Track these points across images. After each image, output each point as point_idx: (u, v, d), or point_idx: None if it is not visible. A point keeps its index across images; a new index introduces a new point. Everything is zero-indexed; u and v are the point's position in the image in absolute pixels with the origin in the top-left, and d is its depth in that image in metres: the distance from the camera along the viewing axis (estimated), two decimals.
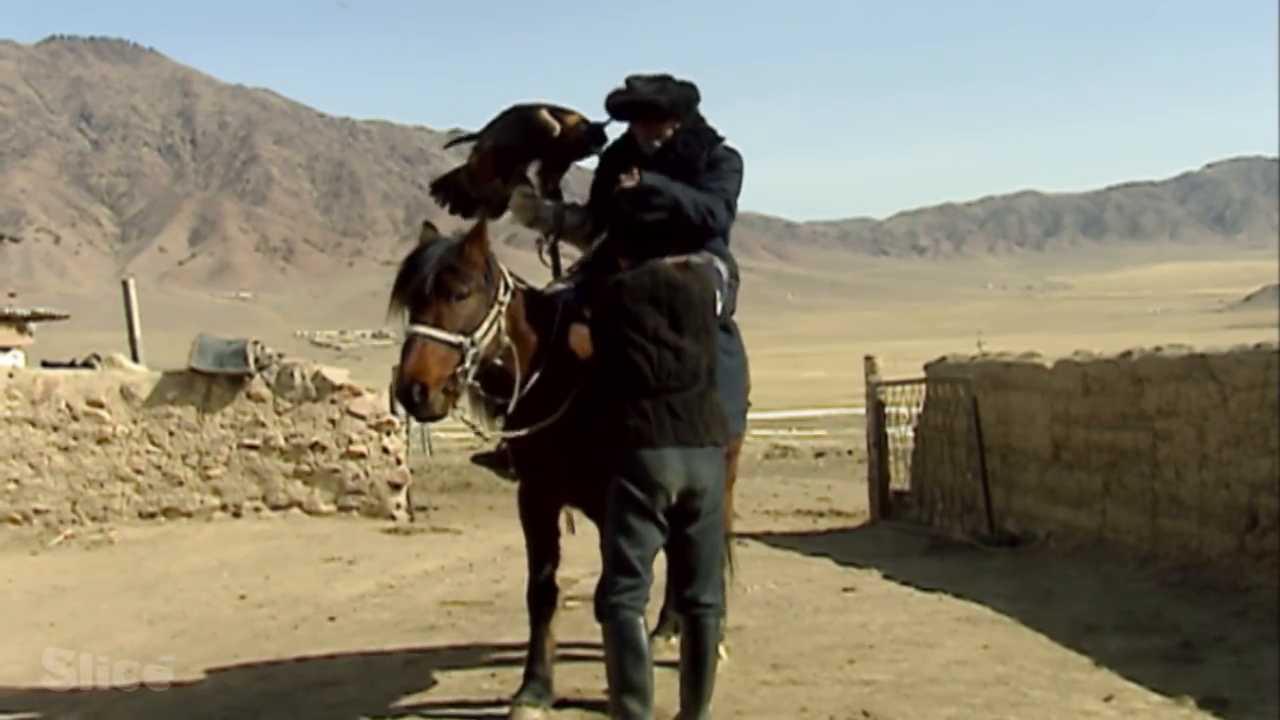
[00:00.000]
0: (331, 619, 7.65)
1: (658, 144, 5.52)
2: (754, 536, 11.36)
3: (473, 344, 4.60)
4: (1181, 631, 6.34)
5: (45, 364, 14.78)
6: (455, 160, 6.15)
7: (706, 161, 5.49)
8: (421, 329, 4.54)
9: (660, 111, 5.51)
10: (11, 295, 19.16)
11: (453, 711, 5.38)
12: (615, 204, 5.24)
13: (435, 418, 4.67)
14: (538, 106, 5.53)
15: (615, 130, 5.68)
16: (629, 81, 5.58)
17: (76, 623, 7.80)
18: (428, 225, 4.94)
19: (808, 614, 7.27)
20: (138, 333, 15.95)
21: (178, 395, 12.22)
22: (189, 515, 12.05)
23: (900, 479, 12.75)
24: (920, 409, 12.32)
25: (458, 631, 7.09)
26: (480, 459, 5.82)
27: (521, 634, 6.53)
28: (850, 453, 22.81)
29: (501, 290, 4.78)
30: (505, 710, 5.17)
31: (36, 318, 17.81)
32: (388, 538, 11.05)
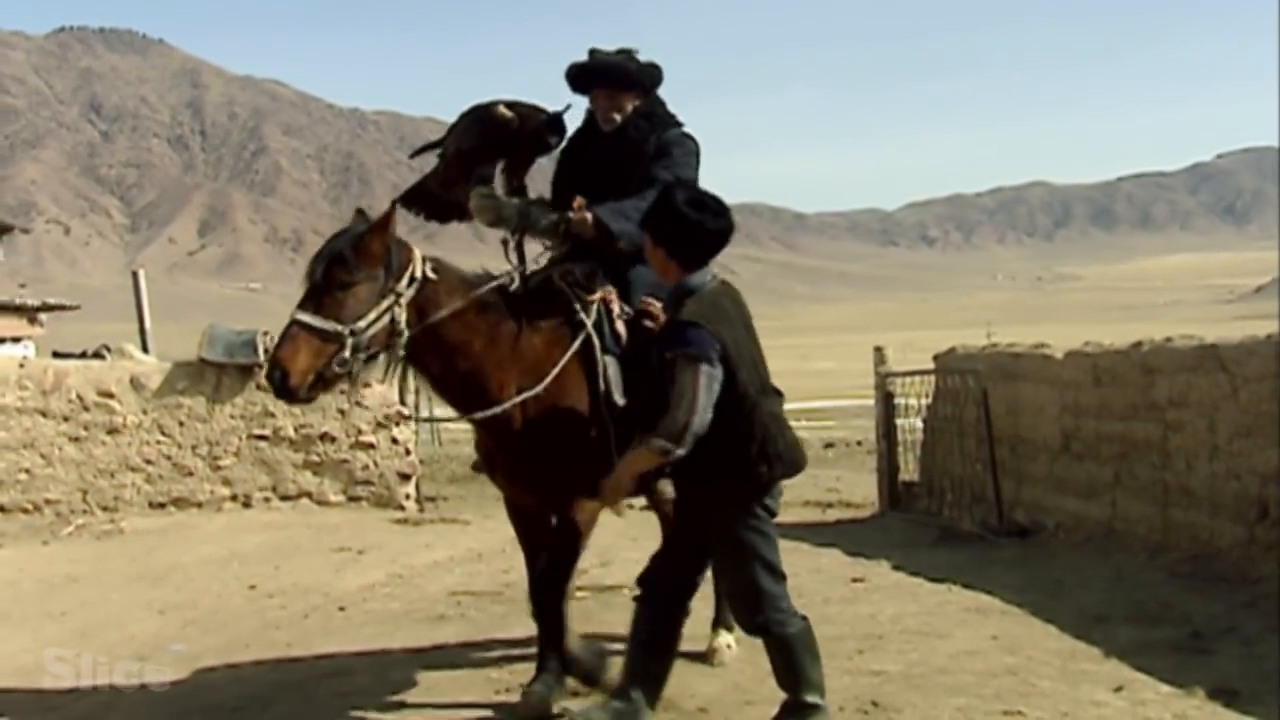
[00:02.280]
0: (341, 609, 7.67)
1: (617, 118, 5.38)
2: None
3: (352, 333, 4.57)
4: (1192, 622, 6.33)
5: (56, 354, 14.83)
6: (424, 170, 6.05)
7: (656, 145, 5.35)
8: (300, 315, 4.57)
9: (627, 78, 5.38)
10: (22, 286, 19.21)
11: (462, 700, 5.39)
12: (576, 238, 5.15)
13: (300, 401, 4.67)
14: (495, 102, 5.40)
15: (574, 119, 5.52)
16: (592, 53, 5.46)
17: (88, 612, 7.83)
18: (359, 212, 4.94)
19: (817, 604, 7.25)
20: (148, 323, 15.98)
21: (188, 386, 12.25)
22: (199, 505, 12.08)
23: (909, 470, 12.73)
24: (929, 400, 12.30)
25: (467, 622, 7.11)
26: (480, 467, 5.77)
27: (530, 625, 6.56)
28: (859, 443, 22.83)
29: (405, 281, 4.72)
30: (514, 699, 5.19)
31: (47, 308, 17.88)
32: (397, 528, 11.07)
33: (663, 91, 5.58)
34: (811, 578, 8.16)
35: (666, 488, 4.95)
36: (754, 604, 4.46)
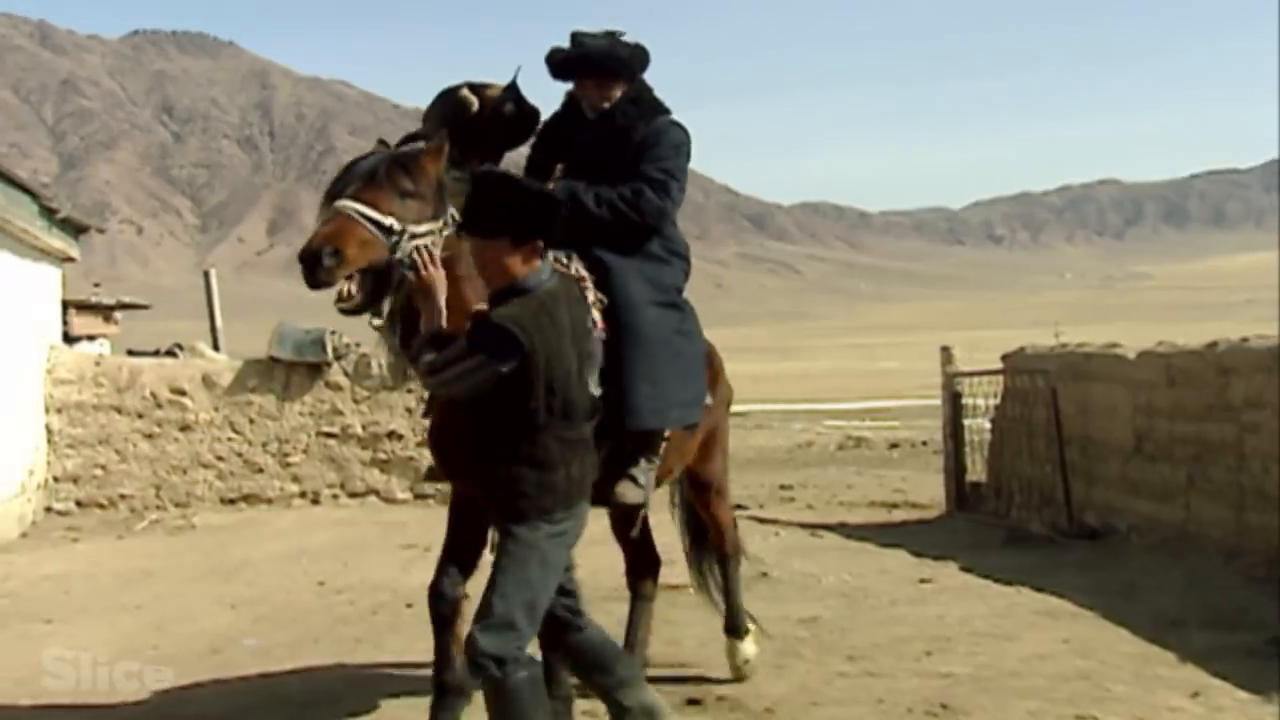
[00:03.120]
0: (409, 605, 7.72)
1: (605, 105, 5.09)
2: (828, 528, 11.30)
3: (410, 237, 4.13)
4: (1269, 627, 6.22)
5: (130, 352, 15.07)
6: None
7: (643, 135, 5.05)
8: (352, 204, 4.11)
9: (618, 66, 5.07)
10: (96, 285, 19.52)
11: None
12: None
13: (326, 286, 4.11)
14: (458, 85, 5.11)
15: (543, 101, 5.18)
16: (575, 37, 5.13)
17: (162, 606, 7.96)
18: (380, 142, 4.72)
19: (884, 605, 7.23)
20: (219, 322, 16.22)
21: (258, 384, 12.42)
22: (269, 502, 12.25)
23: (976, 471, 12.59)
24: (998, 400, 12.17)
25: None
26: (430, 473, 5.33)
27: (599, 623, 6.58)
28: (925, 444, 22.57)
29: (448, 220, 4.36)
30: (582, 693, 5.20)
31: (122, 307, 18.13)
32: None
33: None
34: (878, 579, 8.12)
35: (627, 492, 4.80)
36: (493, 631, 3.78)
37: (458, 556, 4.75)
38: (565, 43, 5.15)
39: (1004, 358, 12.47)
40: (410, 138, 5.28)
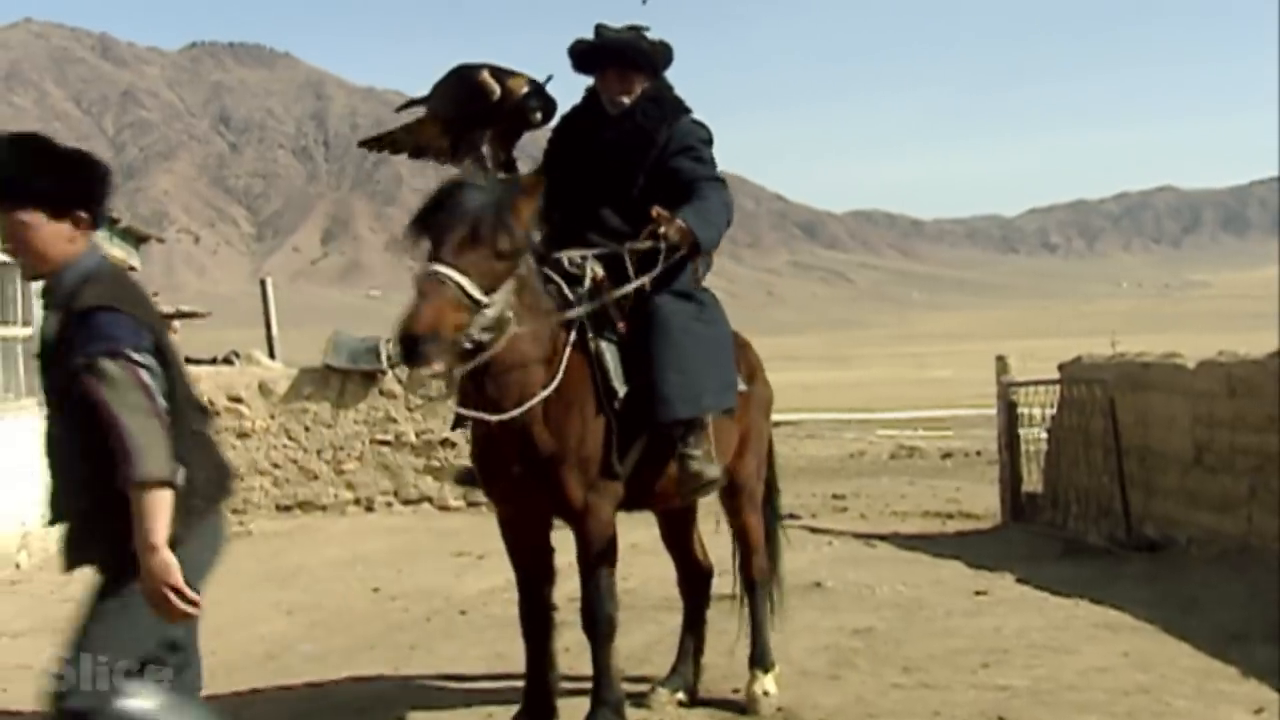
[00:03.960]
0: (462, 613, 7.77)
1: (626, 101, 4.94)
2: (881, 538, 11.23)
3: (488, 307, 4.12)
4: None
5: (188, 360, 15.27)
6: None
7: (668, 135, 4.92)
8: (454, 276, 4.04)
9: (641, 58, 4.95)
10: (155, 294, 19.81)
11: (584, 703, 5.41)
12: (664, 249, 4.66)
13: (431, 373, 4.18)
14: (479, 67, 5.01)
15: (562, 94, 5.14)
16: (599, 30, 5.02)
17: (219, 611, 7.95)
18: (476, 160, 4.79)
19: (939, 617, 7.16)
20: (275, 330, 16.40)
21: (313, 391, 12.54)
22: (324, 509, 12.35)
23: (1032, 481, 12.47)
24: (1054, 410, 12.04)
25: None
26: (466, 478, 5.19)
27: (650, 631, 6.58)
28: (979, 454, 22.37)
29: (526, 260, 4.36)
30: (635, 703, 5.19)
31: (180, 315, 18.42)
32: None
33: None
34: (933, 589, 8.05)
35: (704, 470, 4.70)
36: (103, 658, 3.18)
37: (530, 571, 4.87)
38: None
39: (1060, 367, 12.34)
40: (414, 103, 5.41)
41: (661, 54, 5.02)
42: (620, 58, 4.95)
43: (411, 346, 3.97)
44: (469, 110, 5.00)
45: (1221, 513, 8.85)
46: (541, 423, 4.45)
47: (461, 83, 5.02)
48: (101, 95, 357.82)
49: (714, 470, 4.77)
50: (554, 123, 5.13)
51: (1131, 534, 9.96)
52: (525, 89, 4.99)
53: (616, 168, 4.91)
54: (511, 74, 5.00)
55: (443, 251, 4.10)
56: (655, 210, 4.67)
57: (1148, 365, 10.36)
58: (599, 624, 4.73)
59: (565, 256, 4.77)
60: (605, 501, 4.65)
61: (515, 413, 4.38)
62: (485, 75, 4.94)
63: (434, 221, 4.20)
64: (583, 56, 5.04)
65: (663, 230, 4.66)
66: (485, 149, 5.03)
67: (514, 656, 6.39)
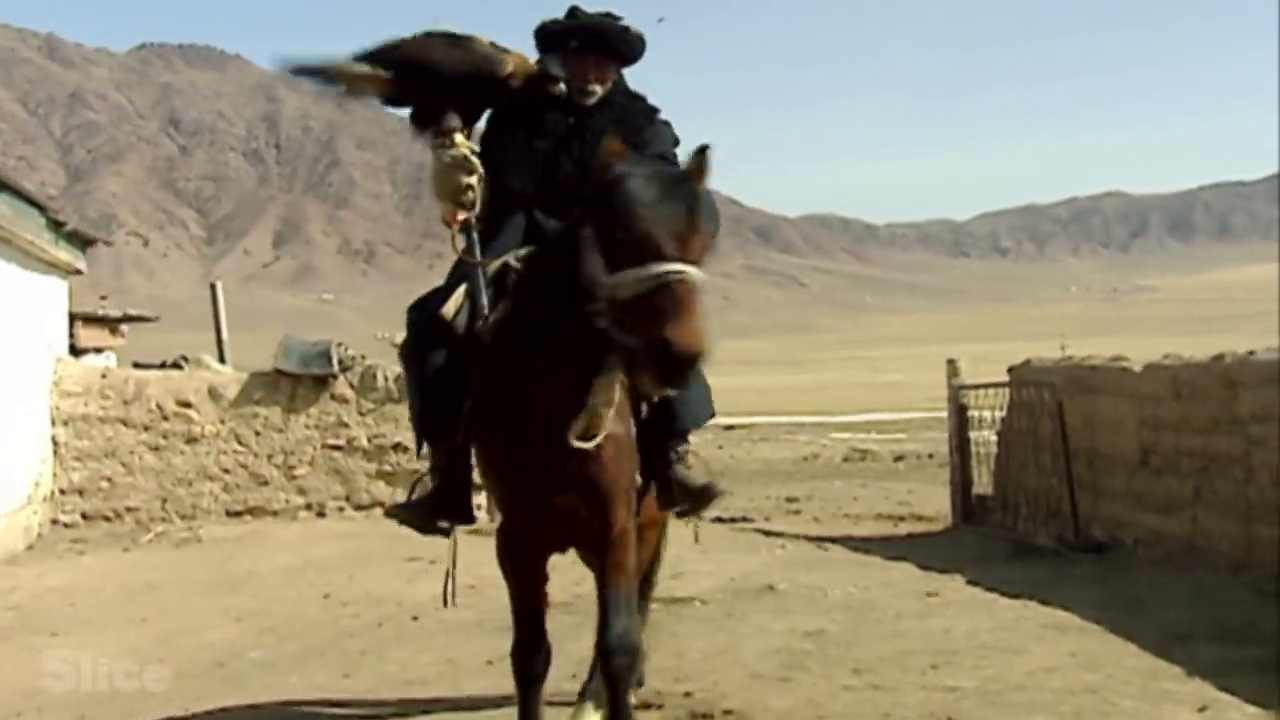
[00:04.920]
0: (415, 618, 7.73)
1: (598, 91, 4.53)
2: (834, 540, 11.30)
3: None
4: (1277, 641, 6.18)
5: (136, 365, 15.09)
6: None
7: (651, 137, 4.54)
8: (695, 272, 3.32)
9: (625, 47, 4.54)
10: (103, 298, 19.58)
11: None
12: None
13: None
14: (468, 35, 4.52)
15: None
16: (575, 11, 4.58)
17: (168, 618, 7.96)
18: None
19: (889, 619, 7.21)
20: (225, 334, 16.25)
21: (264, 396, 12.44)
22: (274, 514, 12.26)
23: (983, 483, 12.59)
24: (1003, 412, 12.16)
25: None
26: (407, 509, 4.66)
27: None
28: (930, 456, 22.56)
29: None
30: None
31: (128, 319, 18.19)
32: (469, 538, 11.10)
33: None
34: (883, 591, 8.11)
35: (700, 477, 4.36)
36: None
37: (536, 605, 4.39)
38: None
39: (1010, 370, 12.46)
40: (314, 70, 4.66)
41: (641, 46, 4.63)
42: (602, 44, 4.53)
43: (687, 366, 3.27)
44: (459, 79, 4.47)
45: (1167, 514, 8.97)
46: (605, 443, 3.97)
47: (453, 45, 4.51)
48: (48, 96, 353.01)
49: (715, 482, 4.50)
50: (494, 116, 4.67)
51: (1079, 535, 10.07)
52: (539, 70, 4.55)
53: (579, 170, 4.44)
54: (505, 50, 4.58)
55: (688, 252, 3.35)
56: None
57: (1095, 368, 10.49)
58: (632, 656, 4.28)
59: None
60: (632, 524, 4.27)
61: (601, 435, 3.90)
62: (488, 44, 4.53)
63: (671, 214, 3.39)
64: (556, 38, 4.56)
65: None
66: (455, 120, 4.48)
67: (466, 662, 6.39)
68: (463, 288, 4.35)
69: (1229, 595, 7.39)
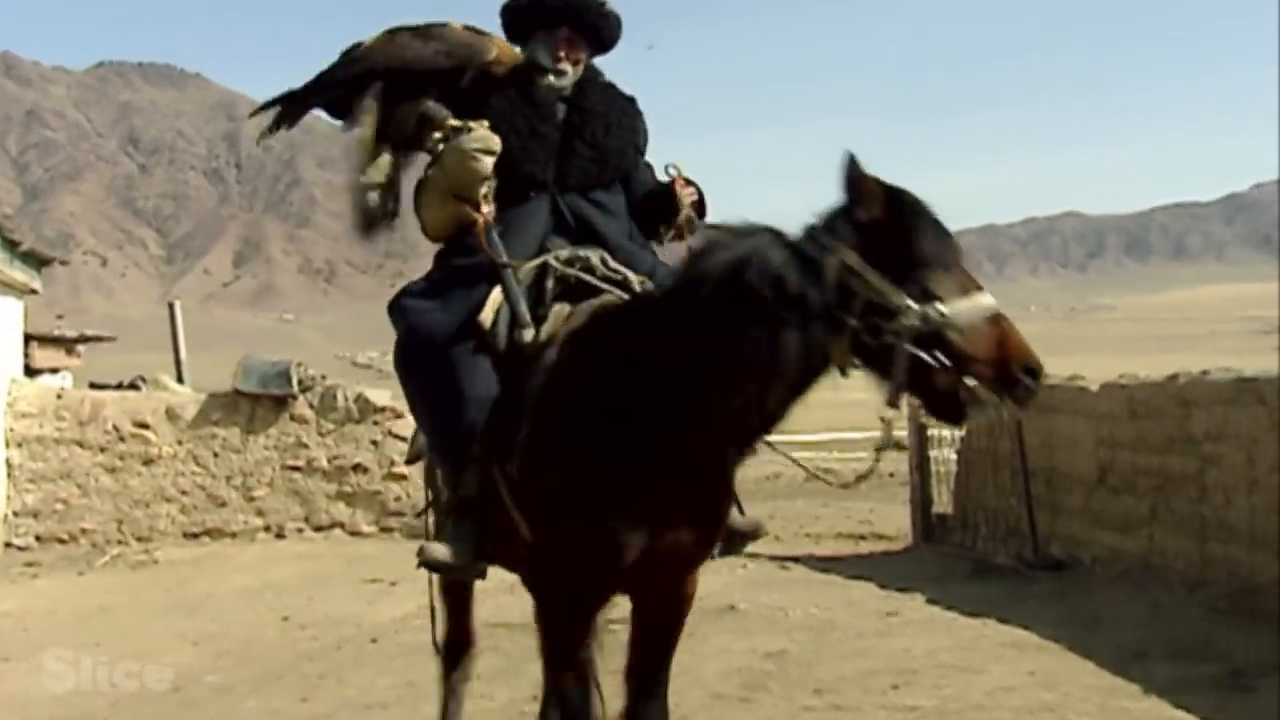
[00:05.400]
0: (374, 641, 7.67)
1: (570, 72, 4.06)
2: (795, 559, 11.31)
3: None
4: (1232, 659, 6.24)
5: (93, 385, 14.94)
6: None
7: (641, 131, 4.19)
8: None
9: (603, 25, 4.11)
10: (59, 318, 19.41)
11: None
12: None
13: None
14: (438, 24, 4.14)
15: None
16: None
17: (123, 642, 7.86)
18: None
19: (850, 638, 7.22)
20: (183, 354, 16.12)
21: (222, 416, 12.34)
22: (233, 536, 12.15)
23: (943, 502, 12.65)
24: (963, 432, 12.23)
25: (499, 654, 7.07)
26: (455, 554, 3.72)
27: None
28: (891, 475, 22.64)
29: None
30: None
31: (84, 339, 18.03)
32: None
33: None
34: (844, 611, 8.12)
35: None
36: None
37: (585, 679, 3.66)
38: None
39: None
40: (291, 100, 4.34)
41: (616, 29, 4.16)
42: (577, 18, 4.05)
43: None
44: (441, 75, 4.07)
45: (1124, 532, 9.05)
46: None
47: (445, 32, 4.09)
48: (5, 115, 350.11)
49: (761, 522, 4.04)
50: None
51: (1038, 554, 10.13)
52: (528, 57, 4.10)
53: (578, 150, 4.03)
54: (481, 31, 4.14)
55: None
56: (682, 182, 3.97)
57: (1053, 388, 10.55)
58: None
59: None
60: None
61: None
62: (462, 29, 4.11)
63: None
64: (528, 10, 4.09)
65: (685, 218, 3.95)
66: (442, 109, 4.02)
67: (426, 684, 6.33)
68: (497, 291, 3.74)
69: (1184, 613, 7.46)
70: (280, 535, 12.20)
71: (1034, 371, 3.18)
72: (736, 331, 3.17)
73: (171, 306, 17.29)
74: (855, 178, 3.24)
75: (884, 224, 3.22)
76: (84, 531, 11.93)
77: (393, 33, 4.12)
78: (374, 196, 4.03)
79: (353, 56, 4.15)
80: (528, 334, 3.63)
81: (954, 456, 12.45)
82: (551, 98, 4.05)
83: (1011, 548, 10.55)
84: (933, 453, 12.89)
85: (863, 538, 14.09)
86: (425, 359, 3.77)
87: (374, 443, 12.30)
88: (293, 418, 12.36)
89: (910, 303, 3.13)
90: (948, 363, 3.14)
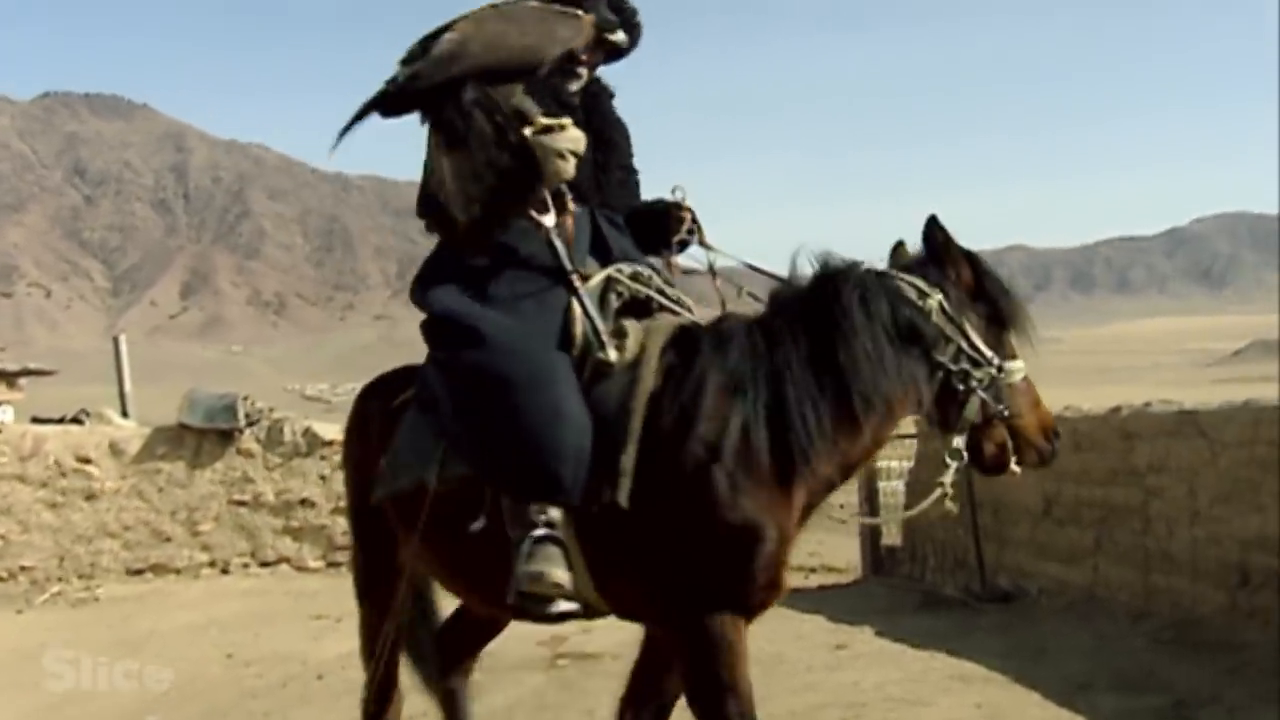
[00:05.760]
0: (320, 677, 7.58)
1: (585, 77, 3.83)
2: None
3: None
4: (1175, 690, 6.31)
5: (35, 419, 14.72)
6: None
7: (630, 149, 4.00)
8: None
9: (633, 32, 3.88)
10: (1, 350, 19.13)
11: None
12: None
13: None
14: (515, 3, 3.67)
15: None
16: None
17: (63, 681, 7.71)
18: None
19: (800, 672, 7.23)
20: (128, 388, 15.91)
21: (167, 451, 12.19)
22: (177, 572, 11.97)
23: (892, 535, 12.72)
24: (912, 464, 12.31)
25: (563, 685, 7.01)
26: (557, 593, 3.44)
27: (510, 693, 6.51)
28: (841, 507, 22.76)
29: None
30: None
31: (27, 373, 17.80)
32: (343, 581, 10.98)
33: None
34: (794, 645, 8.12)
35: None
36: None
37: None
38: None
39: (917, 421, 12.61)
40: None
41: (638, 37, 3.92)
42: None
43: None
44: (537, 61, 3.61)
45: (1069, 564, 9.14)
46: None
47: (537, 30, 3.60)
48: None
49: None
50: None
51: (986, 586, 10.21)
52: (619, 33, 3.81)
53: (614, 164, 3.89)
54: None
55: None
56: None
57: None
58: None
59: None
60: None
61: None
62: (565, 14, 3.65)
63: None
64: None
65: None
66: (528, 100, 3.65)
67: None
68: (579, 308, 3.52)
69: (1128, 644, 7.53)
70: (225, 571, 12.05)
71: (1056, 433, 3.63)
72: (851, 360, 3.35)
73: (116, 340, 17.07)
74: (944, 240, 3.55)
75: (965, 283, 3.55)
76: (24, 569, 11.71)
77: (478, 21, 3.58)
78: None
79: (445, 54, 3.51)
80: (612, 353, 3.46)
81: (903, 489, 12.52)
82: (574, 102, 3.81)
83: (959, 580, 10.62)
84: (881, 484, 12.96)
85: (812, 570, 14.11)
86: (511, 374, 3.42)
87: (321, 477, 12.19)
88: (239, 452, 12.23)
89: (994, 356, 3.49)
90: (1008, 414, 3.50)
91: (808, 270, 3.54)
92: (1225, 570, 7.27)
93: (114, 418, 13.60)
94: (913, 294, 3.44)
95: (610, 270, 3.64)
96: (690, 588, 3.33)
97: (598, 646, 7.77)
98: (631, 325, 3.55)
